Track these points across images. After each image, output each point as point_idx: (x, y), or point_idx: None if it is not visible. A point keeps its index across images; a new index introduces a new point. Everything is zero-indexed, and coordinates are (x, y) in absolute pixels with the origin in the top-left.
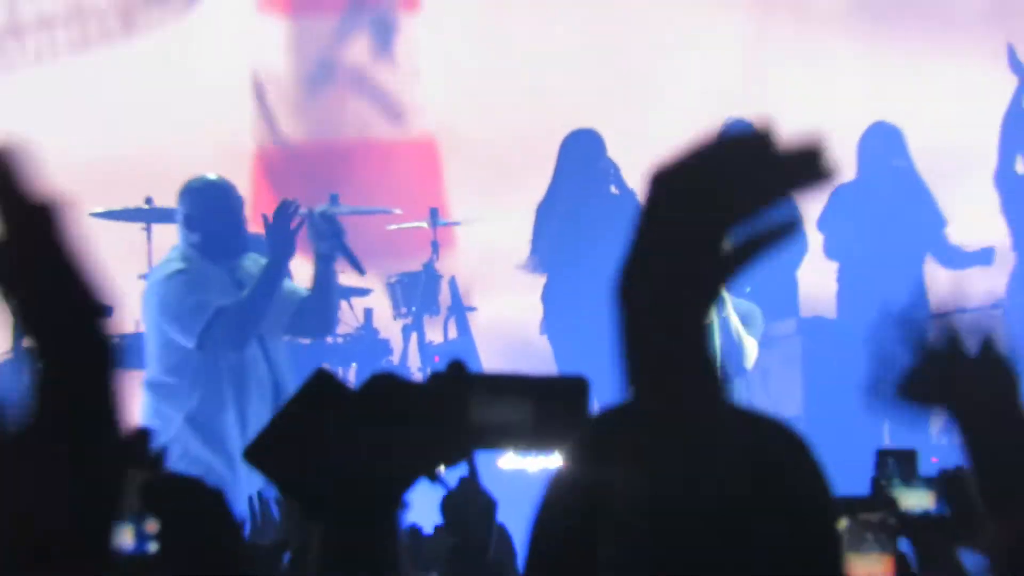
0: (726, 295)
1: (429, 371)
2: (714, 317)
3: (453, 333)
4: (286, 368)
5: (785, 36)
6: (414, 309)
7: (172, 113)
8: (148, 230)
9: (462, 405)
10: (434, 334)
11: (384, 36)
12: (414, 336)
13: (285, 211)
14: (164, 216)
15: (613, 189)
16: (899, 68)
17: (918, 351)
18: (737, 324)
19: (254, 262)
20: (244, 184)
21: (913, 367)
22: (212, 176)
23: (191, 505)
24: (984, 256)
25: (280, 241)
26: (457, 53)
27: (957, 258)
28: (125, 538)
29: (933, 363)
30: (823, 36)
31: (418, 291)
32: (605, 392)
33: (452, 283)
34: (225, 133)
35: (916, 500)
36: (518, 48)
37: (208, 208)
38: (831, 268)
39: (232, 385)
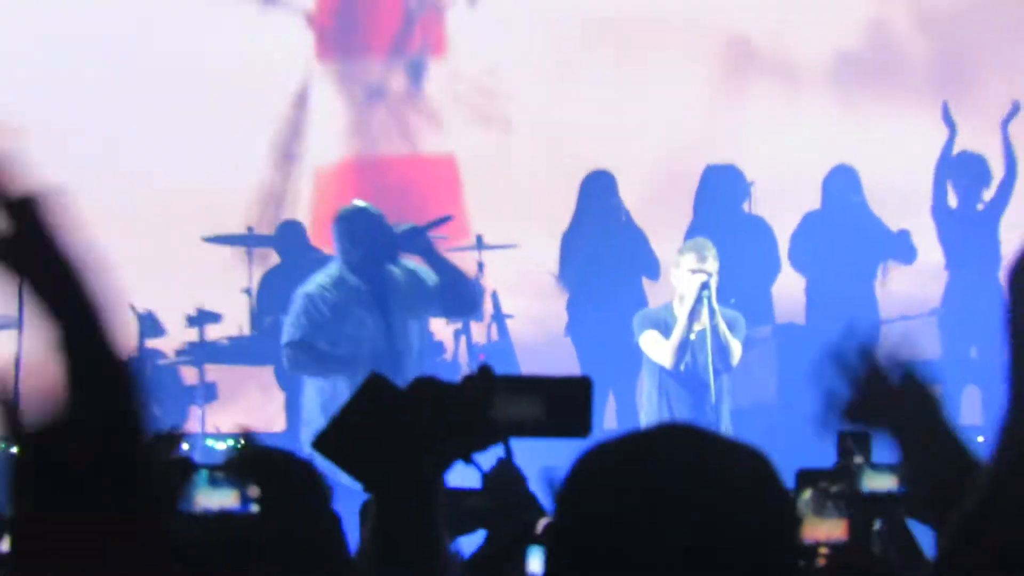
0: (716, 306)
1: (465, 372)
2: (706, 324)
3: (495, 336)
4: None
5: (763, 91)
6: None
7: (255, 147)
8: (250, 253)
9: (488, 402)
10: (479, 336)
11: (416, 75)
12: (463, 339)
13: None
14: (261, 242)
15: (622, 217)
16: (858, 120)
17: (853, 385)
18: (725, 330)
19: (402, 269)
20: (308, 198)
21: (850, 399)
22: (363, 204)
23: (284, 473)
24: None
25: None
26: (472, 95)
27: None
28: (232, 500)
29: (865, 395)
30: (797, 91)
31: None
32: (614, 385)
33: (494, 295)
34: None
35: (880, 482)
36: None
37: (364, 231)
38: (800, 283)
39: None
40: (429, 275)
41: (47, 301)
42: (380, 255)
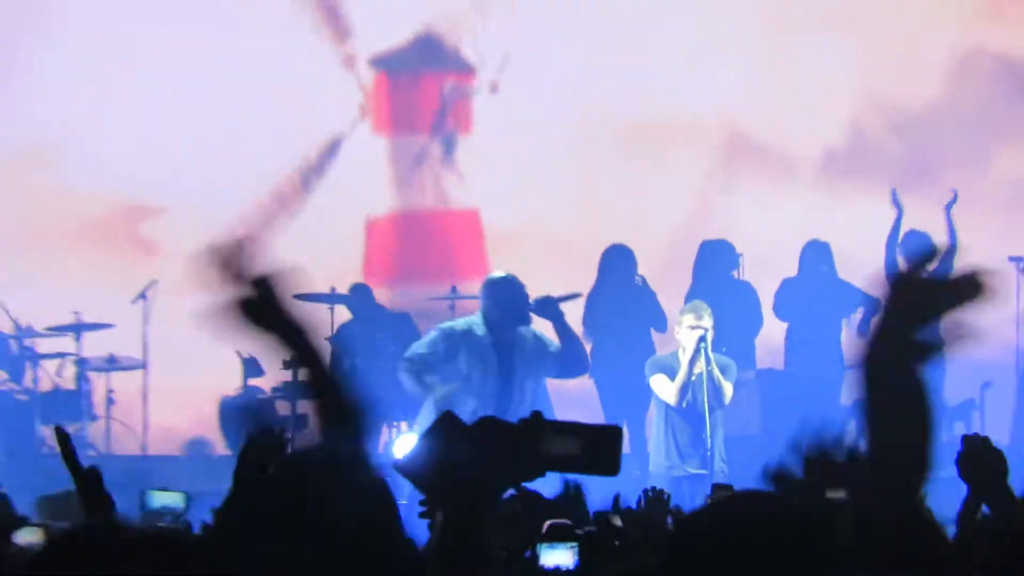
0: (711, 355)
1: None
2: (703, 368)
3: None
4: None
5: (751, 178)
6: None
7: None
8: (331, 311)
9: (538, 441)
10: None
11: (449, 146)
12: None
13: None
14: (339, 300)
15: (637, 281)
16: (830, 203)
17: (807, 469)
18: (719, 374)
19: (530, 333)
20: (362, 241)
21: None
22: (509, 275)
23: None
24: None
25: None
26: (492, 169)
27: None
28: None
29: (817, 474)
30: (778, 179)
31: None
32: (628, 417)
33: None
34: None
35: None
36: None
37: (506, 298)
38: (779, 335)
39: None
40: (552, 341)
41: (292, 349)
42: (515, 319)
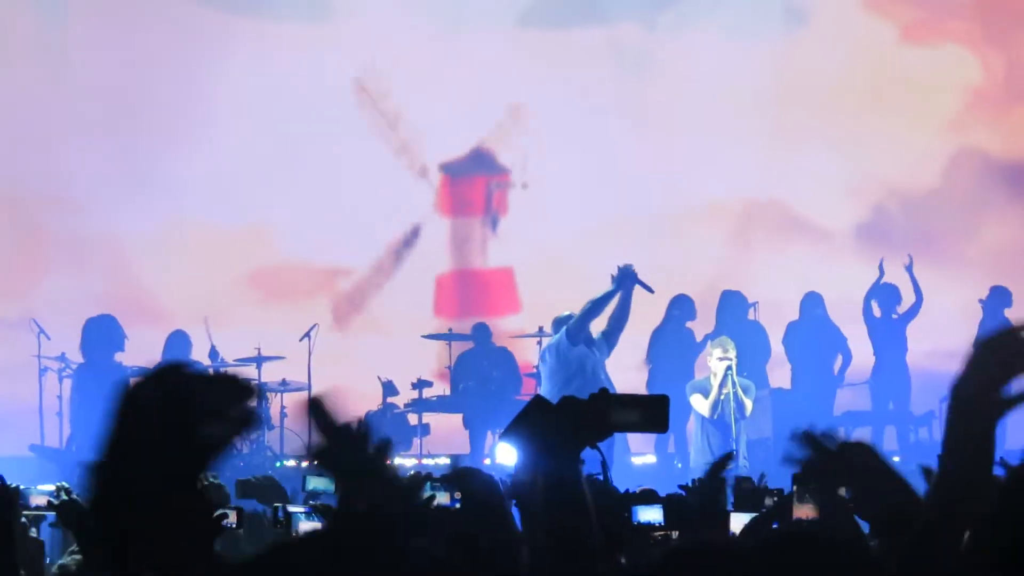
0: (735, 379)
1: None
2: (729, 389)
3: None
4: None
5: (762, 240)
6: None
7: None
8: (449, 347)
9: (605, 409)
10: None
11: (494, 223)
12: None
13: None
14: (460, 337)
15: (686, 322)
16: (822, 261)
17: (808, 454)
18: (741, 393)
19: (588, 351)
20: (433, 293)
21: (807, 464)
22: (570, 312)
23: (480, 482)
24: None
25: None
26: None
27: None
28: (445, 499)
29: (816, 459)
30: (785, 241)
31: None
32: (674, 428)
33: None
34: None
35: (805, 511)
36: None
37: (572, 331)
38: (785, 364)
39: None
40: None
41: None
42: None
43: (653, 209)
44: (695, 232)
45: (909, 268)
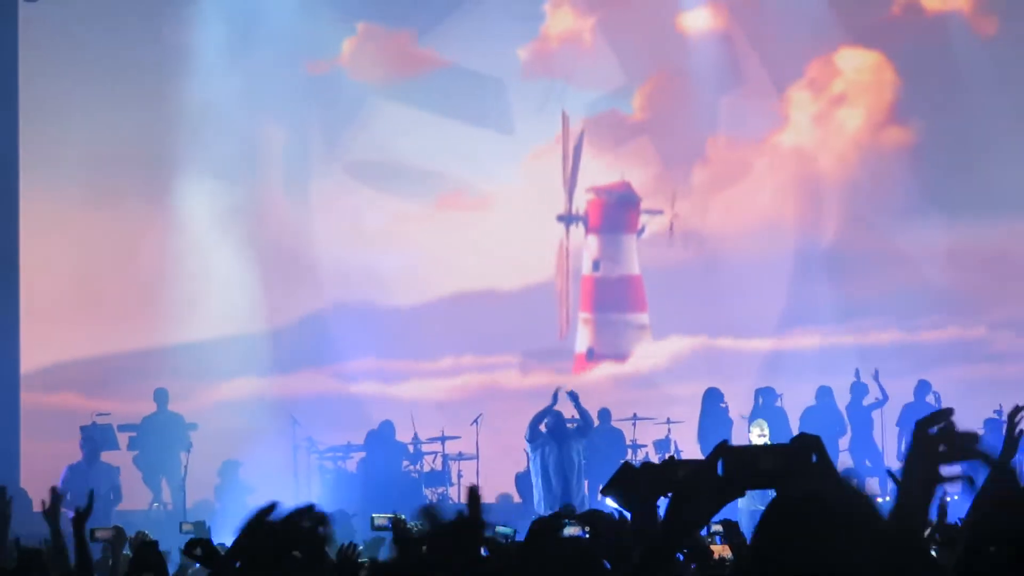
0: (764, 426)
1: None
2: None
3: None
4: None
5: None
6: None
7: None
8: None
9: (751, 463)
10: None
11: None
12: None
13: None
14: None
15: (728, 411)
16: (829, 363)
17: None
18: (767, 436)
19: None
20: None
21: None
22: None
23: (602, 519)
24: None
25: None
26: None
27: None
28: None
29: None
30: (797, 348)
31: None
32: None
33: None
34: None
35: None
36: None
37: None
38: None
39: None
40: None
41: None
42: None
43: None
44: None
45: (876, 376)
